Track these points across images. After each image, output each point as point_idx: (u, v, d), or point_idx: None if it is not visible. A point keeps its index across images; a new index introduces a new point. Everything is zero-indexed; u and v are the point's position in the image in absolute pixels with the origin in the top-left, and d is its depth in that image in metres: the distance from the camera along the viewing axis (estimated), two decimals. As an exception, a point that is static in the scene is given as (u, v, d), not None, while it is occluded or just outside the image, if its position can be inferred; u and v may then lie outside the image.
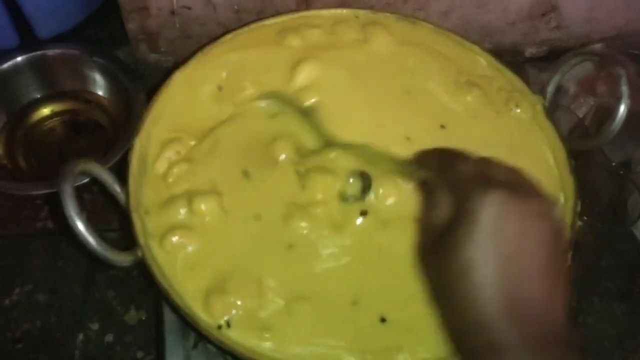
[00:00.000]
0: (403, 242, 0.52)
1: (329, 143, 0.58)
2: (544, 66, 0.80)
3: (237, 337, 0.49)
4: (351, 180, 0.55)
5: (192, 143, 0.58)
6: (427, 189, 0.49)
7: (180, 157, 0.57)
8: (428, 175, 0.49)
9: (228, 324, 0.49)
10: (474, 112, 0.61)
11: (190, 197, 0.55)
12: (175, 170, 0.57)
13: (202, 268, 0.52)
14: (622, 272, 0.75)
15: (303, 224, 0.53)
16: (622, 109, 0.55)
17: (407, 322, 0.51)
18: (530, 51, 0.85)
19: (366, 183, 0.56)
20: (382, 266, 0.53)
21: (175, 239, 0.52)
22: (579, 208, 0.55)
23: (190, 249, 0.53)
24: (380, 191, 0.55)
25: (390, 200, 0.54)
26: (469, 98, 0.61)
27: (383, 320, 0.51)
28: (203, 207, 0.54)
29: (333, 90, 0.62)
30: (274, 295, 0.51)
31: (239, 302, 0.50)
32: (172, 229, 0.53)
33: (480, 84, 0.64)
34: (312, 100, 0.61)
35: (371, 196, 0.55)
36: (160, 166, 0.57)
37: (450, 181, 0.44)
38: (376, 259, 0.53)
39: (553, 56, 0.84)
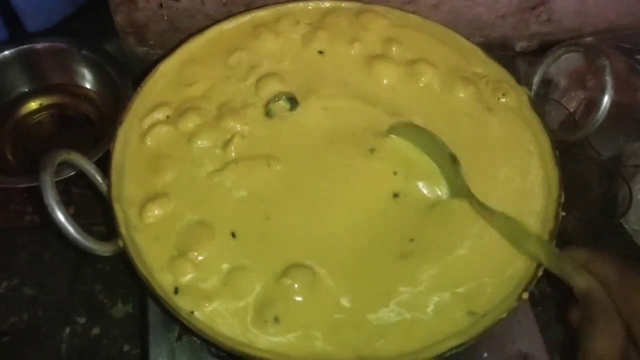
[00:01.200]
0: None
1: None
2: (535, 60, 0.80)
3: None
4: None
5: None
6: (586, 304, 0.44)
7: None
8: (595, 287, 0.43)
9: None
10: (465, 109, 0.61)
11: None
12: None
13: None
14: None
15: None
16: (606, 99, 0.55)
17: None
18: (520, 45, 0.84)
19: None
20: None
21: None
22: (562, 199, 0.55)
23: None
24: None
25: None
26: (461, 94, 0.61)
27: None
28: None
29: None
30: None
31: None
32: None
33: (472, 79, 0.64)
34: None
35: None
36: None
37: (628, 310, 0.39)
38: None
39: (544, 50, 0.83)
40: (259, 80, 0.63)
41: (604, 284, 0.44)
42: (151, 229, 0.53)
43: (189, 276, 0.51)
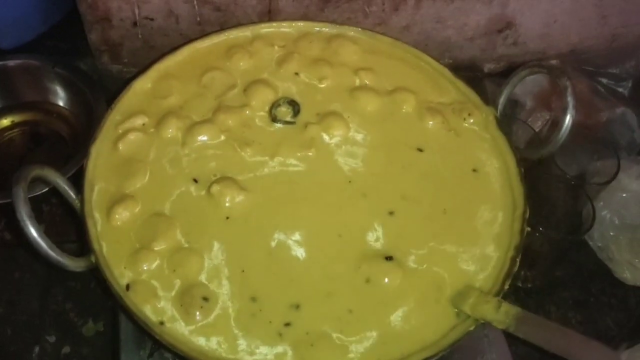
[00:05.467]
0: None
1: None
2: (502, 81, 0.82)
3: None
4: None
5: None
6: None
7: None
8: None
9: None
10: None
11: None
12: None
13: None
14: (578, 282, 0.76)
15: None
16: (568, 118, 0.57)
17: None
18: (488, 67, 0.87)
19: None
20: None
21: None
22: (527, 215, 0.56)
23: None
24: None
25: None
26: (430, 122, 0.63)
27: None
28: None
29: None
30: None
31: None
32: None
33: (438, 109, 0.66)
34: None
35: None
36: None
37: None
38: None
39: (511, 72, 0.86)
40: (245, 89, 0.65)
41: None
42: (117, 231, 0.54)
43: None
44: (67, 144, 0.78)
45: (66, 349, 0.66)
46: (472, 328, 0.51)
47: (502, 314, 0.50)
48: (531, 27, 0.82)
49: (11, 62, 0.76)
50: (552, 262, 0.76)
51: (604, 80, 0.86)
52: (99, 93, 0.75)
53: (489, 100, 0.68)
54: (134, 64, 0.78)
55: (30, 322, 0.67)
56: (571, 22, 0.82)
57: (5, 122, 0.78)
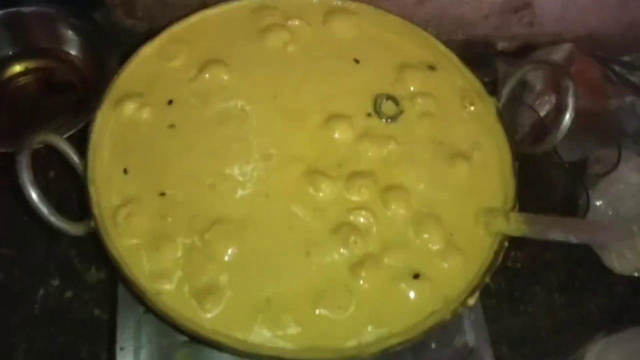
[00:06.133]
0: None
1: None
2: (514, 61, 0.82)
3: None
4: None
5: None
6: None
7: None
8: None
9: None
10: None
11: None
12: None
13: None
14: (566, 266, 0.78)
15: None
16: (567, 119, 0.57)
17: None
18: (501, 45, 0.86)
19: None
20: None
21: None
22: (516, 209, 0.58)
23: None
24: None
25: None
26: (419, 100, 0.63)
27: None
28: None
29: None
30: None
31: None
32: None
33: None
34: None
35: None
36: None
37: None
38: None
39: (524, 51, 0.85)
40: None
41: None
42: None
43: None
44: (78, 92, 0.79)
45: (69, 293, 0.69)
46: (448, 317, 0.53)
47: (513, 223, 0.56)
48: (549, 8, 0.80)
49: (26, 9, 0.77)
50: (541, 245, 0.78)
51: (617, 68, 0.84)
52: (112, 45, 0.75)
53: (498, 79, 0.68)
54: (148, 19, 0.78)
55: (36, 265, 0.70)
56: (590, 5, 0.81)
57: (19, 68, 0.79)
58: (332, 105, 0.62)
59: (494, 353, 0.62)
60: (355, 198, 0.58)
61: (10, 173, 0.71)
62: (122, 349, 0.57)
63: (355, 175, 0.59)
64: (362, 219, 0.56)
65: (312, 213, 0.57)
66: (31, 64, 0.79)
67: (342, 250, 0.55)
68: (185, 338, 0.57)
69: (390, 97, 0.63)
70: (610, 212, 0.75)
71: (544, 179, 0.72)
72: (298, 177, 0.58)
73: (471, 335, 0.62)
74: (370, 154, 0.60)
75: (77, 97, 0.78)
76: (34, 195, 0.48)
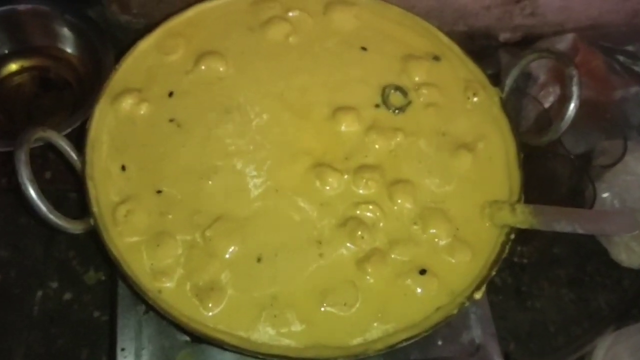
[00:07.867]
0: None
1: None
2: (517, 52, 0.80)
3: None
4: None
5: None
6: None
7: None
8: None
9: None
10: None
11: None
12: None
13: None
14: (574, 261, 0.77)
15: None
16: (571, 108, 0.56)
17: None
18: (504, 36, 0.85)
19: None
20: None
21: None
22: (522, 202, 0.57)
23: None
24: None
25: None
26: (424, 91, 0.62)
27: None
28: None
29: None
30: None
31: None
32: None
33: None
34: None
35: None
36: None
37: None
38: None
39: (526, 42, 0.84)
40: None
41: None
42: None
43: None
44: (75, 91, 0.78)
45: (68, 295, 0.68)
46: (455, 312, 0.52)
47: (519, 215, 0.55)
48: (551, -3, 0.80)
49: (21, 7, 0.76)
50: (550, 240, 0.77)
51: (621, 58, 0.83)
52: (107, 42, 0.74)
53: (501, 70, 0.66)
54: (143, 16, 0.77)
55: (34, 267, 0.69)
56: (593, -5, 0.80)
57: (15, 66, 0.78)
58: (339, 97, 0.62)
59: (501, 349, 0.61)
60: (362, 192, 0.57)
61: (6, 173, 0.72)
62: (123, 349, 0.56)
63: (362, 168, 0.58)
64: (369, 214, 0.55)
65: (318, 208, 0.56)
66: (27, 63, 0.79)
67: (349, 245, 0.54)
68: (187, 338, 0.57)
69: (398, 88, 0.62)
70: (617, 204, 0.74)
71: (550, 171, 0.72)
72: (305, 171, 0.57)
73: (478, 332, 0.61)
74: (377, 146, 0.59)
75: (73, 95, 0.77)
76: (32, 192, 0.47)
